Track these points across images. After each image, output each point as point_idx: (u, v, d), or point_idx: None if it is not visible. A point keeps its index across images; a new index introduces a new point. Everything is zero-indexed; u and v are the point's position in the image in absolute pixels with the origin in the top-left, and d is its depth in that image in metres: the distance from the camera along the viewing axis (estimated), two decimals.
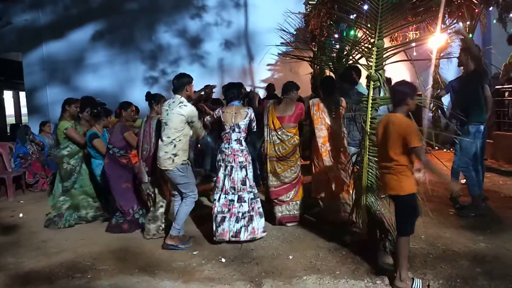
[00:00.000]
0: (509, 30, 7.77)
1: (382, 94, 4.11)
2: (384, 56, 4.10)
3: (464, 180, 5.20)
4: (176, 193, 4.59)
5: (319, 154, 4.87)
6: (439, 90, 7.70)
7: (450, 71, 9.65)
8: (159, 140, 4.39)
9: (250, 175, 4.52)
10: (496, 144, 7.75)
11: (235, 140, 4.50)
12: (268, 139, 4.87)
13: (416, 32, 8.81)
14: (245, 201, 4.44)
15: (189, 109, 4.26)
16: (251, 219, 4.43)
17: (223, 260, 4.12)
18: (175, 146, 4.23)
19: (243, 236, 4.39)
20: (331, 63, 6.57)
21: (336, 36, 7.05)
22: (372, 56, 4.07)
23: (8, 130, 13.43)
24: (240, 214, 4.40)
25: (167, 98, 4.86)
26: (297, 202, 4.91)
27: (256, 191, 4.59)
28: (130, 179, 5.16)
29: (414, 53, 8.76)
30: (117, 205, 5.12)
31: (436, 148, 6.83)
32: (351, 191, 4.57)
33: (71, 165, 5.56)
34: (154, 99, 4.90)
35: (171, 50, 10.78)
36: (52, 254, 4.51)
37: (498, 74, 8.35)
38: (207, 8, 10.67)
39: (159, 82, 10.72)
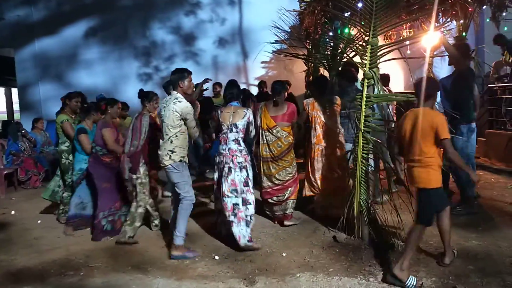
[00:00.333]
0: (502, 29, 7.81)
1: (376, 91, 4.13)
2: (378, 54, 4.11)
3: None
4: (171, 195, 4.51)
5: (312, 153, 4.94)
6: None
7: (443, 69, 9.69)
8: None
9: (251, 176, 4.44)
10: (489, 142, 7.80)
11: (233, 140, 4.40)
12: (262, 140, 4.85)
13: (410, 31, 8.83)
14: (250, 203, 4.35)
15: (183, 105, 4.14)
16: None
17: (217, 257, 4.11)
18: (171, 142, 4.18)
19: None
20: (325, 61, 6.57)
21: (330, 34, 7.06)
22: (366, 54, 4.09)
23: (0, 127, 13.29)
24: (248, 218, 4.32)
25: (160, 96, 4.83)
26: (293, 200, 4.90)
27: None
28: (111, 179, 4.97)
29: (408, 51, 8.78)
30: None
31: None
32: (349, 187, 4.56)
33: (69, 160, 5.52)
34: (146, 97, 4.85)
35: (165, 47, 10.71)
36: (44, 252, 4.48)
37: (490, 73, 8.41)
38: (201, 5, 10.61)
39: (152, 79, 10.65)
